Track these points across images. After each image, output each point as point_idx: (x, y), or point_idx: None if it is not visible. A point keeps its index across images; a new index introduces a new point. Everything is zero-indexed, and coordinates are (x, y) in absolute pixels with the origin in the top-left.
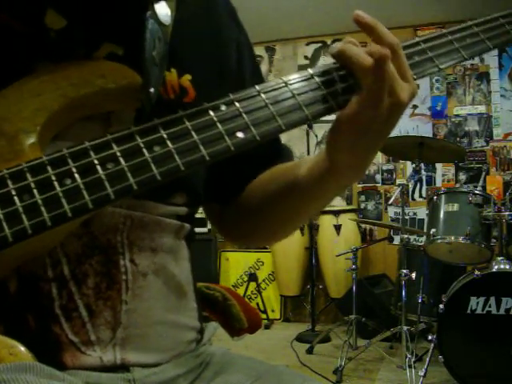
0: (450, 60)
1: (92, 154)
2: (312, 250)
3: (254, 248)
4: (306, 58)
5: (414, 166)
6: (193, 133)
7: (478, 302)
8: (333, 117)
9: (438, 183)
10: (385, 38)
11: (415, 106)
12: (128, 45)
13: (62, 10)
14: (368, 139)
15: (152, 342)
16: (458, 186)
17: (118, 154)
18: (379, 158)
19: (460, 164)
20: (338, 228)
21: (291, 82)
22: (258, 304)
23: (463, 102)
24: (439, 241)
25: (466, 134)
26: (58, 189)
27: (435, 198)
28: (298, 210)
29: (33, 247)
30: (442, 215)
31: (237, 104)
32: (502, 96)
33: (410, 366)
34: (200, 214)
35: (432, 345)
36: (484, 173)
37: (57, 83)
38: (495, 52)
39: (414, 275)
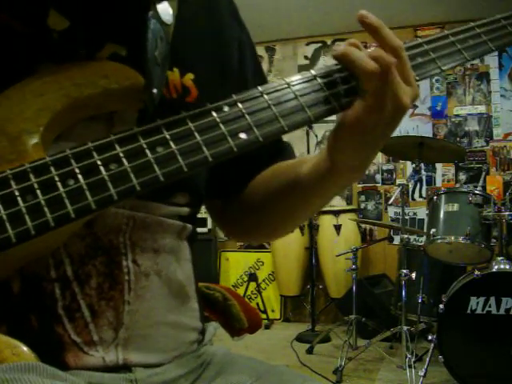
0: (453, 61)
1: (95, 154)
2: (312, 249)
3: (255, 246)
4: (305, 58)
5: (413, 165)
6: (196, 134)
7: (478, 302)
8: (333, 117)
9: (438, 183)
10: (389, 40)
11: (415, 106)
12: (131, 45)
13: (64, 11)
14: (369, 141)
15: (154, 342)
16: (457, 185)
17: (121, 154)
18: (379, 158)
19: (460, 164)
20: (337, 228)
21: (294, 83)
22: (257, 304)
23: (463, 101)
24: (439, 241)
25: (466, 134)
26: (61, 189)
27: (435, 198)
28: (299, 208)
29: (36, 248)
30: (441, 215)
31: (240, 105)
32: (501, 96)
33: (410, 366)
34: (200, 214)
35: (432, 345)
36: (484, 173)
37: (60, 83)
38: (495, 52)
39: (413, 275)
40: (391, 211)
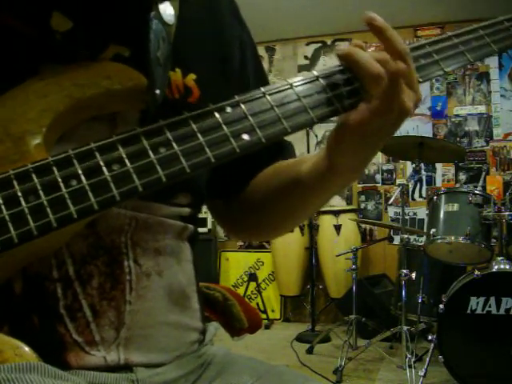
0: (456, 63)
1: (98, 155)
2: (312, 249)
3: (255, 245)
4: (306, 58)
5: (413, 166)
6: (198, 135)
7: (478, 302)
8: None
9: (438, 183)
10: (395, 44)
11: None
12: (134, 46)
13: (67, 13)
14: (370, 143)
15: (155, 342)
16: (458, 186)
17: (124, 155)
18: (379, 157)
19: (460, 164)
20: (337, 228)
21: (296, 84)
22: (257, 304)
23: (463, 101)
24: (439, 241)
25: (466, 134)
26: (64, 190)
27: (435, 198)
28: (299, 207)
29: (38, 248)
30: (442, 215)
31: (242, 106)
32: (501, 96)
33: (410, 366)
34: (200, 214)
35: (432, 345)
36: (484, 173)
37: (62, 84)
38: None
39: (413, 275)
40: (391, 211)
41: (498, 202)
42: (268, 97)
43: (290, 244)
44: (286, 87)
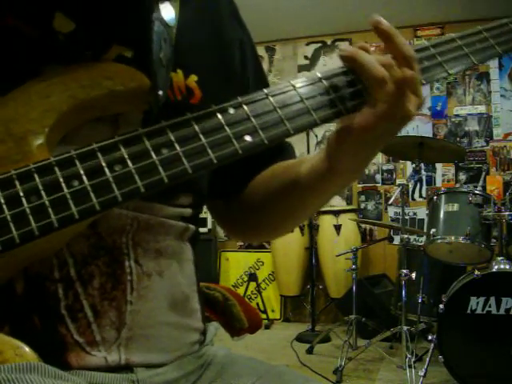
0: (460, 65)
1: (100, 155)
2: (312, 249)
3: (255, 245)
4: (306, 58)
5: (413, 166)
6: (201, 136)
7: (478, 302)
8: None
9: (438, 183)
10: (403, 49)
11: None
12: (136, 47)
13: (70, 14)
14: (373, 145)
15: (156, 342)
16: (458, 186)
17: (126, 156)
18: (379, 158)
19: (460, 164)
20: (337, 228)
21: (299, 85)
22: (257, 304)
23: (463, 101)
24: (439, 241)
25: (466, 134)
26: (66, 190)
27: (435, 197)
28: (299, 207)
29: (40, 248)
30: (442, 215)
31: (245, 107)
32: (502, 96)
33: (410, 366)
34: (201, 214)
35: (432, 345)
36: (484, 173)
37: (66, 85)
38: None
39: (413, 275)
40: (391, 211)
41: (498, 202)
42: (271, 98)
43: (290, 244)
44: (289, 89)
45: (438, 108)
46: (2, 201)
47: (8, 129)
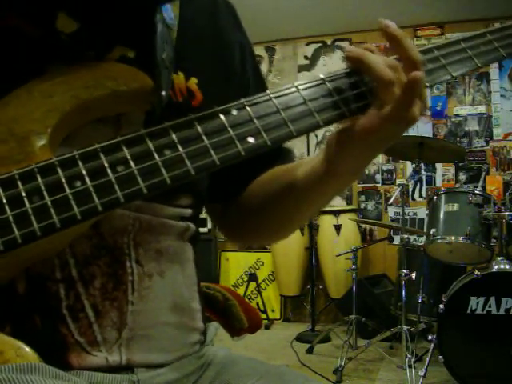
0: (464, 68)
1: (102, 156)
2: (312, 249)
3: (255, 248)
4: (306, 57)
5: (413, 166)
6: (203, 137)
7: (478, 302)
8: None
9: (438, 183)
10: (411, 54)
11: None
12: (139, 48)
13: (73, 14)
14: (373, 148)
15: (157, 342)
16: (458, 186)
17: (129, 156)
18: (379, 158)
19: (460, 164)
20: (337, 228)
21: (303, 87)
22: (257, 304)
23: (463, 102)
24: (439, 241)
25: (466, 134)
26: (68, 191)
27: (435, 197)
28: (297, 211)
29: (42, 249)
30: (442, 215)
31: (248, 109)
32: (502, 96)
33: (410, 366)
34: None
35: (432, 345)
36: (484, 173)
37: (69, 84)
38: None
39: (413, 275)
40: (391, 211)
41: (498, 202)
42: (274, 100)
43: (290, 244)
44: (292, 90)
45: (438, 108)
46: (4, 201)
47: (10, 129)
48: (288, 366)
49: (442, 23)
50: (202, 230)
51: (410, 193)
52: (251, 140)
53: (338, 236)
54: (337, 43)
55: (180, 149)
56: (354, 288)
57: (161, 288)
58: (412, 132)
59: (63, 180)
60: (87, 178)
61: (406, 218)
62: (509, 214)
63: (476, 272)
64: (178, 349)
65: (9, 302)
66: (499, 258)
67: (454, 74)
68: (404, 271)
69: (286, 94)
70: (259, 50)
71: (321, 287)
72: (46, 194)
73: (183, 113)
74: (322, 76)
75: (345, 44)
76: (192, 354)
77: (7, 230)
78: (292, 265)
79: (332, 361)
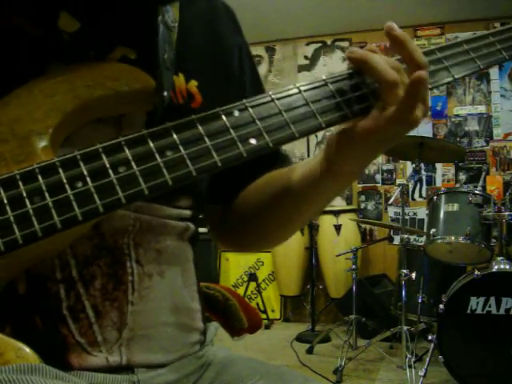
0: (466, 70)
1: (104, 156)
2: (312, 249)
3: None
4: (305, 57)
5: (413, 166)
6: (205, 138)
7: (478, 302)
8: None
9: (438, 183)
10: (415, 56)
11: None
12: (140, 48)
13: (75, 13)
14: (373, 149)
15: (157, 343)
16: (458, 186)
17: (130, 157)
18: (379, 158)
19: (460, 164)
20: (338, 228)
21: (305, 88)
22: (257, 304)
23: (463, 101)
24: (439, 241)
25: (466, 134)
26: (69, 192)
27: (435, 197)
28: (293, 214)
29: (42, 249)
30: (442, 215)
31: (250, 110)
32: (502, 96)
33: (410, 366)
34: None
35: (432, 345)
36: (484, 173)
37: (71, 84)
38: None
39: (413, 275)
40: (391, 211)
41: (498, 202)
42: (276, 101)
43: (289, 244)
44: (294, 92)
45: (438, 108)
46: (5, 201)
47: (12, 129)
48: (288, 366)
49: (442, 23)
50: (201, 230)
51: (410, 193)
52: (253, 141)
53: (338, 236)
54: (337, 43)
55: (182, 150)
56: (354, 288)
57: (161, 288)
58: (412, 132)
59: (64, 180)
60: (89, 179)
61: (406, 218)
62: (509, 213)
63: (476, 272)
64: (178, 349)
65: (9, 302)
66: (499, 258)
67: (456, 76)
68: (404, 271)
69: (289, 96)
70: (259, 50)
71: (321, 287)
72: (47, 194)
73: (183, 115)
74: (323, 77)
75: (345, 44)
76: (192, 354)
77: (8, 231)
78: (292, 265)
79: (332, 361)
